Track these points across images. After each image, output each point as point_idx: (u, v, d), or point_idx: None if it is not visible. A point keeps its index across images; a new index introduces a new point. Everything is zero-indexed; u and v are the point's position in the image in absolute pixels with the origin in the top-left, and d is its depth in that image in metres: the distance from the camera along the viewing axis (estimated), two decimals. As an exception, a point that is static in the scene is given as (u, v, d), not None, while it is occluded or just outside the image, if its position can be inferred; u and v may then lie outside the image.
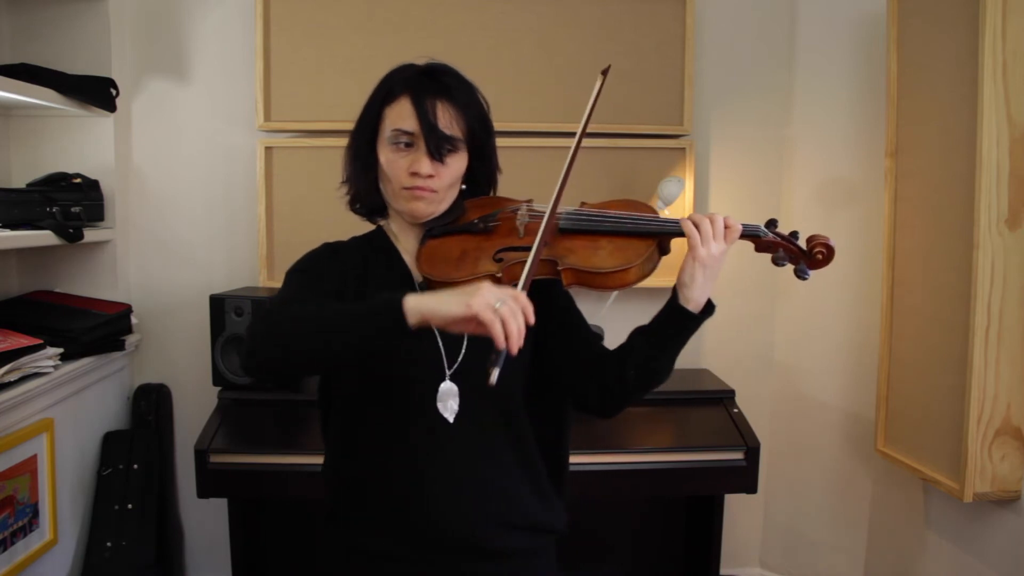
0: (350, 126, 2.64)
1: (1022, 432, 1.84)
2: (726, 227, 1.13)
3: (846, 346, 2.53)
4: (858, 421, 2.49)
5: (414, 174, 1.18)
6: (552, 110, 2.43)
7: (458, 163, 1.21)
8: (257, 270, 2.46)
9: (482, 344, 1.04)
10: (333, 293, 1.20)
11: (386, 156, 1.20)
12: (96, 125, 2.34)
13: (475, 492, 1.18)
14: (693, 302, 1.13)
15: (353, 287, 1.23)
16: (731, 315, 2.60)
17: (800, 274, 1.17)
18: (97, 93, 2.24)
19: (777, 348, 2.66)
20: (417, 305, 0.98)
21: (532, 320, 0.97)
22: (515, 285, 1.10)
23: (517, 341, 0.95)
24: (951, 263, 1.89)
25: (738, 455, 2.15)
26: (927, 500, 2.18)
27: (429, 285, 1.19)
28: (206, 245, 2.54)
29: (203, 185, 2.52)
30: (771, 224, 1.18)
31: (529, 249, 1.14)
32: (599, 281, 1.15)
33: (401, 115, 1.18)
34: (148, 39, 2.47)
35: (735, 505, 2.58)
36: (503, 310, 0.95)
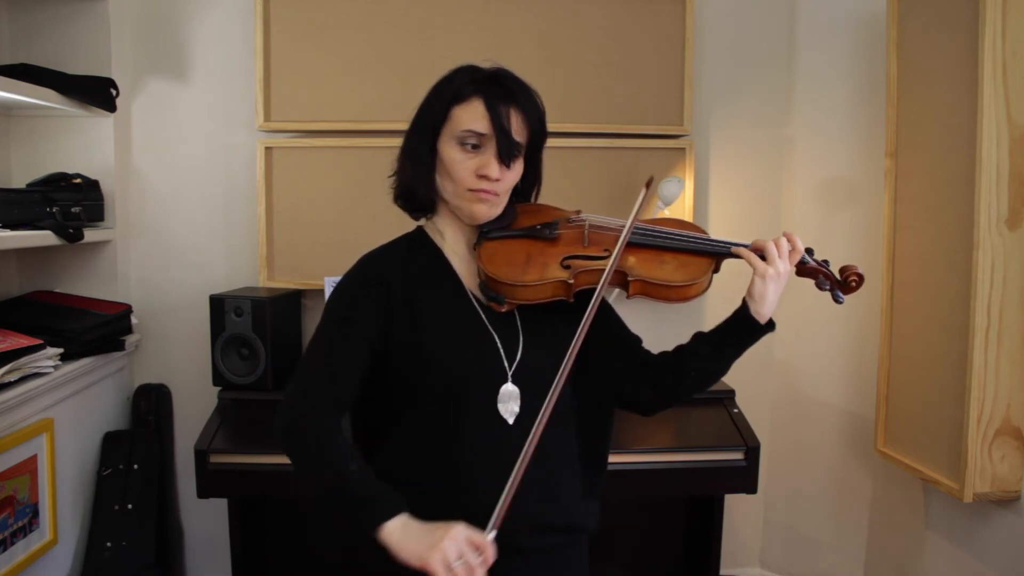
0: (350, 126, 2.64)
1: (1022, 432, 1.84)
2: (791, 249, 1.25)
3: (846, 346, 2.53)
4: (858, 421, 2.49)
5: (482, 177, 1.20)
6: (551, 110, 2.39)
7: (520, 168, 1.25)
8: (257, 270, 2.46)
9: (536, 344, 1.21)
10: (375, 328, 1.21)
11: (451, 155, 1.21)
12: (96, 125, 2.34)
13: (520, 494, 1.15)
14: (762, 316, 1.24)
15: (401, 296, 1.23)
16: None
17: (836, 298, 1.29)
18: (97, 93, 2.24)
19: (777, 348, 2.66)
20: (389, 535, 1.06)
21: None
22: (580, 293, 1.20)
23: None
24: (951, 263, 1.89)
25: (738, 455, 2.15)
26: (927, 500, 2.18)
27: (491, 284, 1.21)
28: (206, 245, 2.54)
29: (203, 185, 2.52)
30: (809, 252, 1.29)
31: (595, 258, 1.23)
32: (665, 293, 1.24)
33: (474, 116, 1.20)
34: (148, 39, 2.47)
35: (735, 505, 2.58)
36: (459, 570, 1.00)
